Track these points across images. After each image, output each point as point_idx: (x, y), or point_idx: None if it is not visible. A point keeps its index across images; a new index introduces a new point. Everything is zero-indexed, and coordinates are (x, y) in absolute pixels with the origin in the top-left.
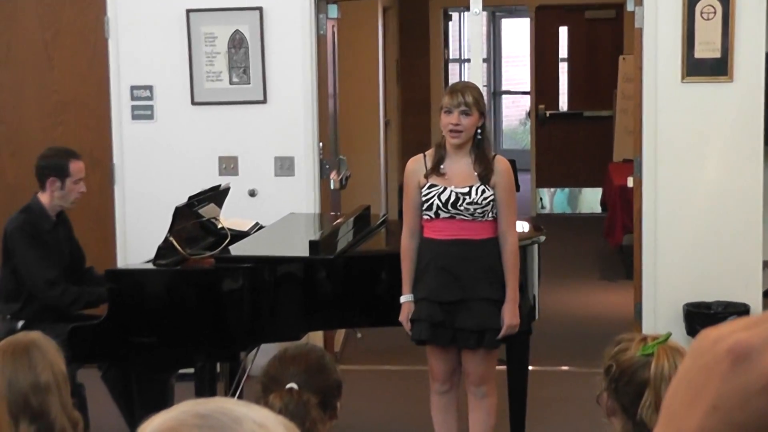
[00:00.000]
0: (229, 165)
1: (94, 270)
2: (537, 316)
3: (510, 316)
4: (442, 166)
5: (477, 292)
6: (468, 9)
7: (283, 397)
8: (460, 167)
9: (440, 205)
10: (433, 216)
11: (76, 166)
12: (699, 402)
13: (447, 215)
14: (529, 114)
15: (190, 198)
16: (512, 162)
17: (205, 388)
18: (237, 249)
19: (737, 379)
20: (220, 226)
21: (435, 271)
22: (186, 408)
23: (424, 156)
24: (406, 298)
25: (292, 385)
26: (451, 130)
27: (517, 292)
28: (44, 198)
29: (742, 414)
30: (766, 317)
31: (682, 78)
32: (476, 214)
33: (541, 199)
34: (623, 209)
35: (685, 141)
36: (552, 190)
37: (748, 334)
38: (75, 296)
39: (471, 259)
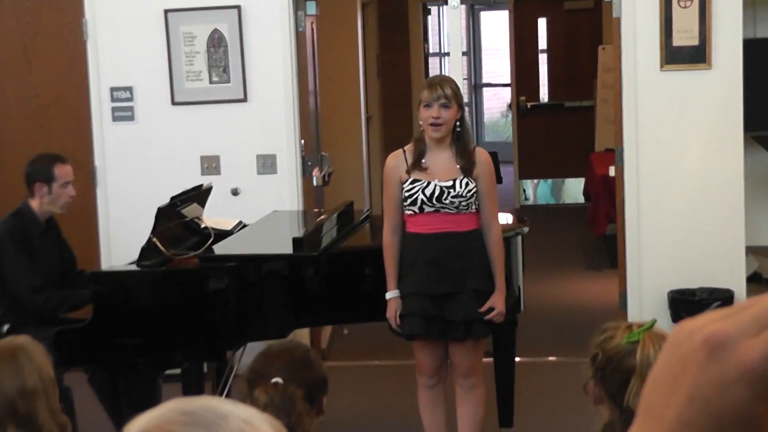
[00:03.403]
0: (211, 164)
1: (86, 273)
2: (522, 308)
3: (499, 305)
4: (423, 161)
5: (466, 284)
6: (446, 3)
7: (268, 390)
8: (441, 161)
9: (425, 199)
10: (417, 211)
11: (62, 170)
12: (676, 393)
13: (431, 209)
14: (510, 106)
15: (172, 198)
16: (494, 154)
17: (192, 388)
18: (221, 248)
19: (713, 369)
20: (203, 225)
21: (423, 265)
22: (172, 406)
23: (404, 151)
24: (392, 294)
25: (277, 379)
26: (431, 124)
27: (504, 282)
28: (34, 204)
29: (720, 403)
30: (742, 307)
31: (661, 66)
32: (461, 207)
33: (524, 190)
34: (606, 199)
35: (666, 129)
36: (535, 181)
37: (724, 324)
38: (59, 301)
39: (458, 252)
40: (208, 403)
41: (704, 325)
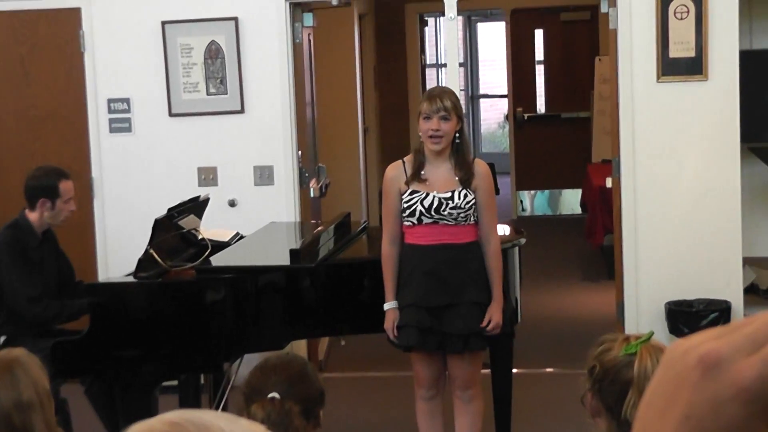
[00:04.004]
0: (208, 176)
1: (84, 284)
2: (519, 319)
3: (496, 317)
4: (422, 172)
5: (464, 296)
6: (443, 14)
7: (265, 406)
8: (440, 172)
9: (423, 210)
10: (415, 222)
11: (66, 186)
12: (671, 412)
13: (430, 221)
14: (507, 117)
15: (169, 210)
16: (491, 165)
17: (189, 400)
18: (218, 260)
19: (708, 389)
20: (200, 237)
21: (421, 276)
22: (163, 417)
23: (403, 162)
24: (390, 305)
25: (274, 394)
26: (431, 136)
27: (501, 294)
28: (32, 216)
29: (714, 423)
30: (736, 326)
31: (658, 78)
32: (459, 219)
33: (521, 201)
34: (603, 210)
35: (663, 140)
36: (532, 192)
37: (718, 343)
38: (57, 311)
39: (457, 263)
40: (198, 416)
41: (699, 344)
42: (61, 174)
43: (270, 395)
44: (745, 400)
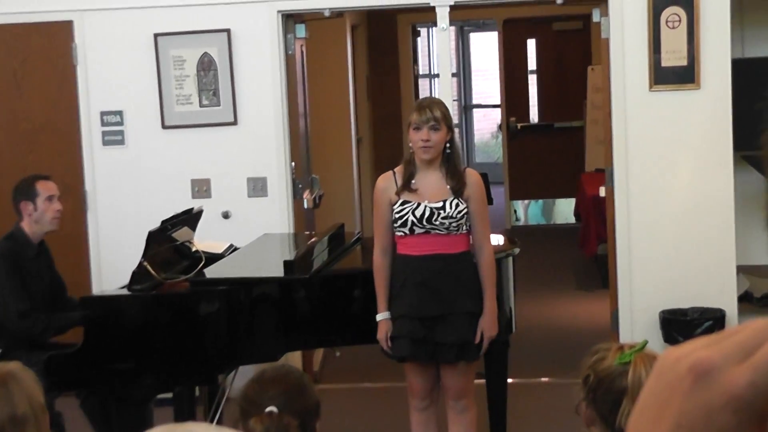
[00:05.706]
0: (201, 188)
1: (75, 300)
2: (514, 329)
3: (489, 327)
4: (413, 182)
5: (457, 306)
6: (436, 24)
7: (263, 421)
8: (431, 182)
9: (415, 220)
10: (407, 232)
11: (44, 185)
12: (663, 420)
13: (422, 231)
14: (500, 127)
15: (163, 222)
16: (484, 175)
17: (184, 413)
18: (212, 272)
19: (699, 397)
20: (194, 249)
21: (413, 286)
22: (158, 430)
23: (394, 173)
24: (382, 316)
25: (272, 408)
26: (421, 146)
27: (495, 303)
28: (26, 226)
29: (706, 431)
30: (727, 334)
31: (650, 87)
32: (451, 228)
33: (515, 211)
34: (597, 219)
35: (656, 149)
36: (526, 202)
37: (709, 351)
38: (45, 324)
39: (449, 273)
40: (185, 428)
41: (690, 352)
42: (38, 176)
43: (268, 409)
44: (736, 407)
